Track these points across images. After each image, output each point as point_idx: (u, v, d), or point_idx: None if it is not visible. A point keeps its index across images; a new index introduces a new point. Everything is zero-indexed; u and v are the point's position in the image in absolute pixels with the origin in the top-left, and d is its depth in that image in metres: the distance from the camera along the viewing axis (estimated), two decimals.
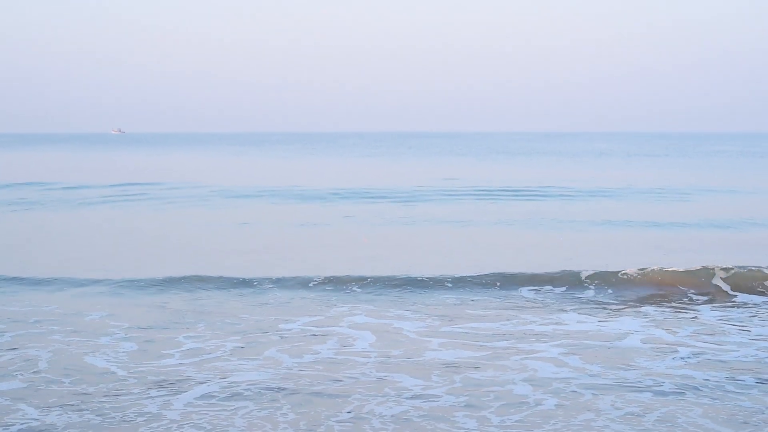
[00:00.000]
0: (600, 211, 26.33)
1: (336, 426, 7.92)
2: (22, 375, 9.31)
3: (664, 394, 8.65)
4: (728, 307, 12.94)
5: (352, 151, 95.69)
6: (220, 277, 14.23)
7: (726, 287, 13.90)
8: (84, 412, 8.15)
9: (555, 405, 8.39)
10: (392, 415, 8.18)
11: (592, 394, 8.71)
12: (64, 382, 9.06)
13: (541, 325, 11.73)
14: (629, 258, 15.88)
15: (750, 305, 13.04)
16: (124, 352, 10.30)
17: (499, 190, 34.16)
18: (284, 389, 8.88)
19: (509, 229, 22.37)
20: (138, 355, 10.20)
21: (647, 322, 11.87)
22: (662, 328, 11.45)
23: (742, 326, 11.57)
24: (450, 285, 13.97)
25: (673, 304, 13.05)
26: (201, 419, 8.03)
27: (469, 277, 14.27)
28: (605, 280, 14.15)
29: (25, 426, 7.78)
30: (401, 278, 14.21)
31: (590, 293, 13.74)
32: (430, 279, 14.16)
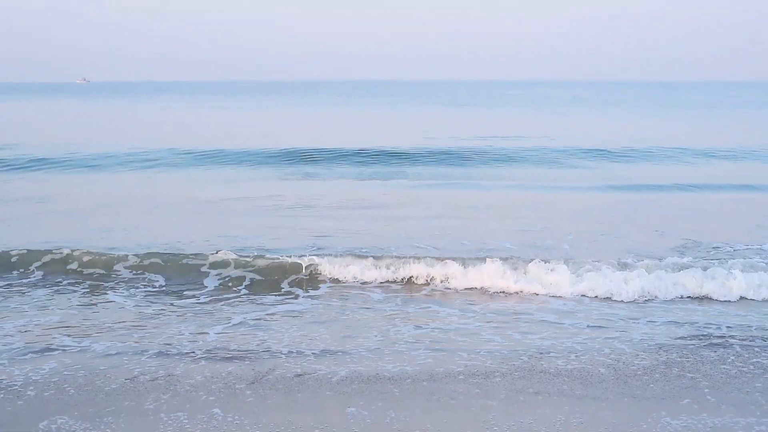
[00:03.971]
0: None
1: (365, 343, 8.57)
2: (59, 309, 9.81)
3: None
4: None
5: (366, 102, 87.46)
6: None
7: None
8: (123, 337, 8.71)
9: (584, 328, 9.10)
10: (415, 335, 8.86)
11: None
12: (98, 316, 9.56)
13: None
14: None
15: None
16: (153, 289, 10.79)
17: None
18: (315, 320, 9.49)
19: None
20: (168, 291, 10.72)
21: None
22: None
23: None
24: None
25: None
26: (237, 339, 8.68)
27: None
28: None
29: (64, 350, 8.29)
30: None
31: None
32: None
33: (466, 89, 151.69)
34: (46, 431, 6.45)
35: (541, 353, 8.14)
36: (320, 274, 11.14)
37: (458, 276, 10.84)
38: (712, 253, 12.38)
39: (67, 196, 18.56)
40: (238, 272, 11.28)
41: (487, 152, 26.99)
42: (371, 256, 11.50)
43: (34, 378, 7.51)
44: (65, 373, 7.64)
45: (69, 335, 8.77)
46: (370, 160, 25.18)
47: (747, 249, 12.69)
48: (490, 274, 10.76)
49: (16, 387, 7.31)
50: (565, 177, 22.09)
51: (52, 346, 8.38)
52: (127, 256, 11.68)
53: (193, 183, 20.89)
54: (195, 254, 11.75)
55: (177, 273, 11.32)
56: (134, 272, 11.35)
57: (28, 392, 7.19)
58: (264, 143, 28.98)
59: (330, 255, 11.66)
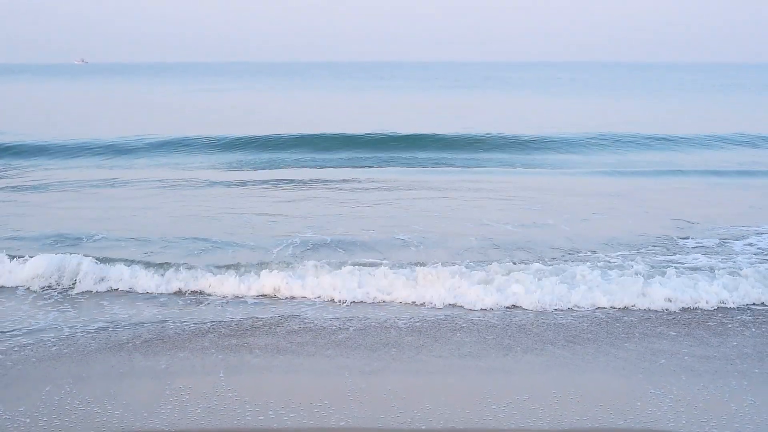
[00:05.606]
0: None
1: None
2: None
3: None
4: None
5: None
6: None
7: None
8: (167, 307, 9.39)
9: None
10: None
11: None
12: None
13: None
14: None
15: None
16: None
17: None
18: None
19: None
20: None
21: None
22: None
23: None
24: None
25: None
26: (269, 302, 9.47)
27: None
28: None
29: (110, 317, 8.96)
30: None
31: None
32: None
33: (461, 71, 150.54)
34: (46, 398, 6.66)
35: None
36: None
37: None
38: (706, 234, 12.86)
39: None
40: None
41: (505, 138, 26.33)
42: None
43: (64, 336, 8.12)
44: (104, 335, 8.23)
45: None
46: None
47: (745, 230, 13.15)
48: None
49: (48, 342, 7.92)
50: (574, 163, 22.68)
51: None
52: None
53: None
54: None
55: None
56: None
57: (52, 349, 7.76)
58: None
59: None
